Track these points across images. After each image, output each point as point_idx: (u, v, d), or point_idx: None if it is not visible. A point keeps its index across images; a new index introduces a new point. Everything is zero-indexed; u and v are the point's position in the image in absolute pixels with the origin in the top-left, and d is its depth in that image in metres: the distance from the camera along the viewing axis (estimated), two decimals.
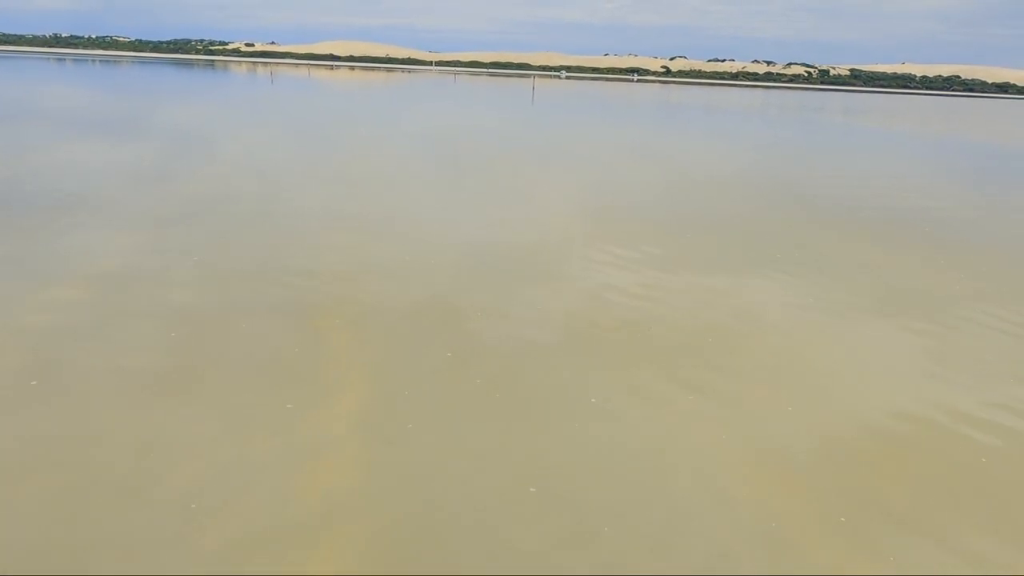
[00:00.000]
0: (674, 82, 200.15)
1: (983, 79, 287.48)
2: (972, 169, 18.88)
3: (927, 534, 3.64)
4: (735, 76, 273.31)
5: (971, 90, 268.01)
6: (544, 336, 5.63)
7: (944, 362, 5.46)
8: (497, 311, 6.09)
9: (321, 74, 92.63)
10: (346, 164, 13.87)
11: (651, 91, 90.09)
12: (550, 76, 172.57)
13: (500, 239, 8.40)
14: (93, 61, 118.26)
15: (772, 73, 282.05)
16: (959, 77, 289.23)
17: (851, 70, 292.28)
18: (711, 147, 21.33)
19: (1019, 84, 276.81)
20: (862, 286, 7.11)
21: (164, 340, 5.68)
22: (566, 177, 13.66)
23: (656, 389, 4.75)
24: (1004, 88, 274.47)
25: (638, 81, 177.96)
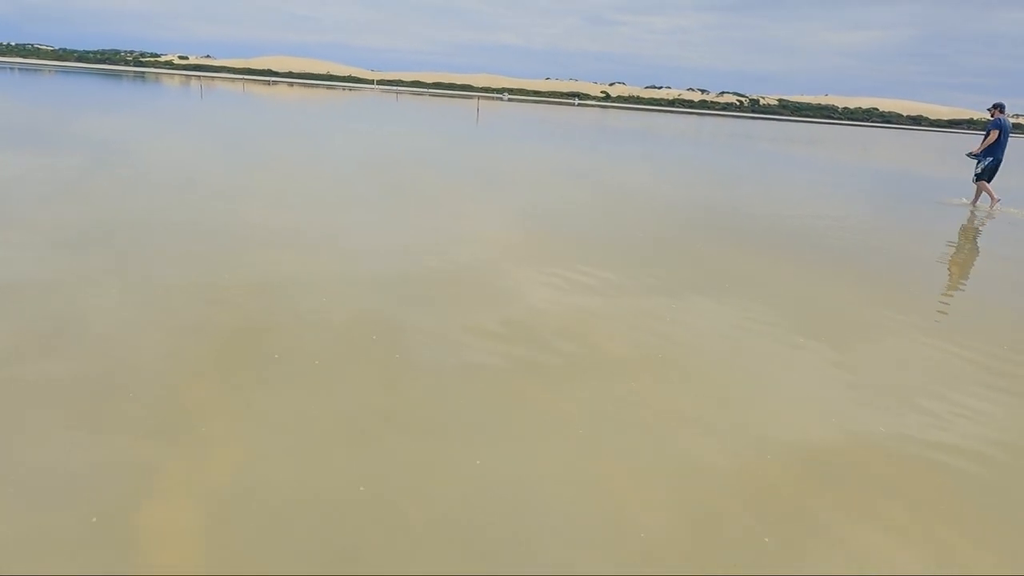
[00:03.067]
0: (614, 107, 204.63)
1: (899, 111, 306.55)
2: (906, 200, 19.26)
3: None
4: (672, 103, 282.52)
5: (888, 122, 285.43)
6: (481, 359, 4.86)
7: (862, 378, 4.95)
8: (434, 333, 5.27)
9: (258, 89, 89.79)
10: (277, 182, 12.72)
11: (593, 115, 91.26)
12: (493, 98, 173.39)
13: (440, 261, 7.59)
14: (12, 69, 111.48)
15: (706, 101, 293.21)
16: (877, 109, 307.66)
17: (779, 100, 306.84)
18: (657, 172, 21.11)
19: (931, 116, 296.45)
20: (795, 309, 6.67)
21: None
22: (513, 198, 12.94)
23: (597, 410, 3.99)
24: (917, 120, 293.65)
25: (579, 105, 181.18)
